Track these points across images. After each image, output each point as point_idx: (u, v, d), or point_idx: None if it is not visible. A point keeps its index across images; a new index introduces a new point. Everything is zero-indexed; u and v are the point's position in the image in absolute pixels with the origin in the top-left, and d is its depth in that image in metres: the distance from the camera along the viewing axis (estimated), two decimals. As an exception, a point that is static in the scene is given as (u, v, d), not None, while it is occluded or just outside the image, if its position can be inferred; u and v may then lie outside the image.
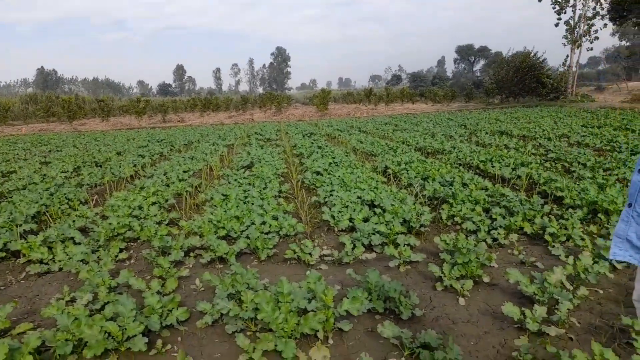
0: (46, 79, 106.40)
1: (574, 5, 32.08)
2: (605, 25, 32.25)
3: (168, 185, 7.36)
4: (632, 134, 11.35)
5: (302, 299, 2.94)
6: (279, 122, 27.34)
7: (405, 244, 4.21)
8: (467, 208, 5.08)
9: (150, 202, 6.06)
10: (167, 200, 6.36)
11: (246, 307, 2.97)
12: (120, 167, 9.73)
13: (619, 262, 3.65)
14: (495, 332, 2.81)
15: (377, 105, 40.92)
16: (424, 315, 3.06)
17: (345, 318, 3.01)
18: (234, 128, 22.43)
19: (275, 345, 2.62)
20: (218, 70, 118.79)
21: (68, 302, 3.41)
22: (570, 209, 5.05)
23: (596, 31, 32.10)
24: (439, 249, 4.21)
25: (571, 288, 3.26)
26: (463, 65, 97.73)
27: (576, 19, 32.35)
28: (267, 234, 4.70)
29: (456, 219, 4.97)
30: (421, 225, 4.77)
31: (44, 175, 8.94)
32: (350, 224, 4.95)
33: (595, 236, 4.38)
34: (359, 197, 5.81)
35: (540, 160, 8.13)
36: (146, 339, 2.67)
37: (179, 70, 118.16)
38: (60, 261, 4.19)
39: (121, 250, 4.53)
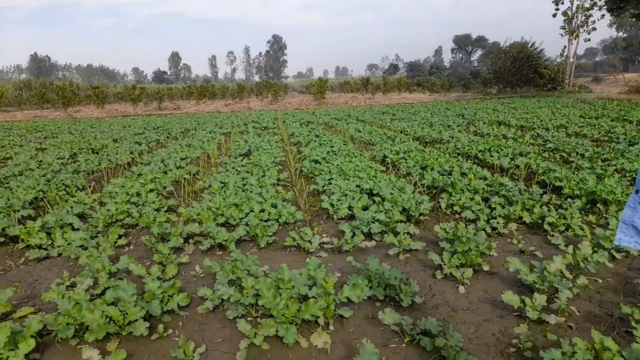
0: (40, 65, 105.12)
1: (572, -4, 32.02)
2: (603, 16, 32.18)
3: (166, 173, 7.33)
4: (630, 125, 11.38)
5: (303, 285, 2.94)
6: (275, 110, 27.23)
7: (404, 232, 4.21)
8: (466, 197, 5.09)
9: (148, 189, 6.03)
10: (165, 188, 6.34)
11: (247, 293, 2.97)
12: (117, 154, 9.67)
13: (621, 249, 3.67)
14: (495, 320, 2.83)
15: (374, 95, 40.78)
16: (424, 302, 3.08)
17: (346, 305, 3.02)
18: (231, 116, 22.32)
19: (277, 331, 2.63)
20: (214, 57, 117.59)
21: (68, 287, 3.41)
22: (569, 199, 5.07)
23: (594, 22, 32.08)
24: (438, 237, 4.22)
25: (571, 277, 3.28)
26: (460, 55, 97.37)
27: (574, 9, 32.27)
28: (266, 221, 4.70)
29: (455, 208, 4.98)
30: (420, 214, 4.77)
31: (40, 161, 8.87)
32: (350, 212, 4.95)
33: (594, 226, 4.40)
34: (357, 186, 5.81)
35: (539, 151, 8.14)
36: (147, 324, 2.68)
37: (174, 58, 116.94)
38: (59, 247, 4.17)
39: (120, 237, 4.51)
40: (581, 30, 32.30)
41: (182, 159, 8.69)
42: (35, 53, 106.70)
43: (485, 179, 6.09)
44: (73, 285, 3.44)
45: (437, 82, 42.67)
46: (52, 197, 5.87)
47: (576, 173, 6.18)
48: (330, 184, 6.01)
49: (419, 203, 4.95)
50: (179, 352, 2.43)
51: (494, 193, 5.38)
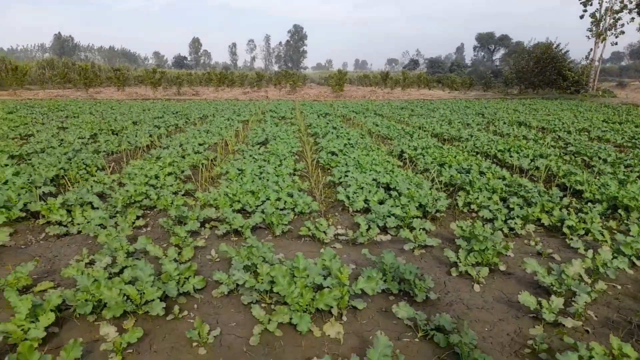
0: (63, 45, 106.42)
1: (601, -3, 31.26)
2: (633, 19, 31.34)
3: (184, 157, 7.39)
4: (655, 132, 11.12)
5: (318, 275, 2.95)
6: (293, 100, 27.21)
7: (420, 228, 4.19)
8: (484, 196, 5.04)
9: (167, 172, 6.09)
10: (182, 172, 6.40)
11: (262, 279, 2.99)
12: (136, 136, 9.78)
13: None
14: (510, 320, 2.80)
15: (393, 89, 40.51)
16: (438, 299, 3.06)
17: (360, 297, 3.02)
18: (249, 104, 22.37)
19: (290, 318, 2.65)
20: (234, 45, 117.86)
21: (87, 264, 3.47)
22: (589, 203, 4.99)
23: (622, 25, 31.33)
24: (454, 235, 4.19)
25: (589, 281, 3.23)
26: (482, 54, 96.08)
27: (602, 11, 31.51)
28: (282, 210, 4.71)
29: (472, 206, 4.93)
30: (437, 211, 4.74)
31: (62, 140, 9.01)
32: (365, 205, 4.94)
33: (615, 231, 4.33)
34: (374, 179, 5.79)
35: (560, 153, 8.01)
36: (164, 304, 2.71)
37: (195, 43, 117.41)
38: (79, 224, 4.24)
39: (138, 218, 4.57)
40: (609, 33, 31.55)
41: (200, 145, 8.75)
42: (59, 33, 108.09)
43: (504, 178, 6.01)
44: (92, 263, 3.49)
45: (457, 80, 42.23)
46: (72, 175, 5.96)
47: (598, 178, 6.06)
48: (347, 176, 6.00)
49: (436, 200, 4.92)
50: (194, 333, 2.46)
51: (512, 193, 5.31)
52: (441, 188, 5.80)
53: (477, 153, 8.33)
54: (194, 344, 2.50)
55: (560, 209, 4.71)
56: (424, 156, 7.51)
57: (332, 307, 2.77)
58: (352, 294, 2.97)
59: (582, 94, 30.62)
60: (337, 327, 2.66)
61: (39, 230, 4.30)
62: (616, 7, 31.03)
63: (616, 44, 32.54)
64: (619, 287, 3.27)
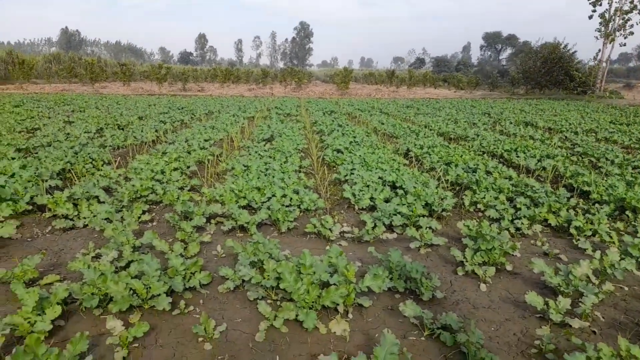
0: (69, 39, 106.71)
1: (611, -3, 31.02)
2: (643, 19, 31.10)
3: (189, 153, 7.40)
4: (663, 133, 11.03)
5: (324, 272, 2.94)
6: (299, 98, 27.19)
7: (426, 227, 4.18)
8: (490, 196, 5.02)
9: (172, 167, 6.09)
10: (188, 167, 6.40)
11: (268, 275, 2.99)
12: (142, 131, 9.80)
13: None
14: (517, 320, 2.79)
15: (398, 88, 40.41)
16: (444, 298, 3.05)
17: (366, 294, 3.02)
18: (254, 101, 22.37)
19: (297, 315, 2.64)
20: (240, 41, 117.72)
21: (93, 257, 3.47)
22: (597, 204, 4.96)
23: (632, 26, 31.04)
24: (460, 234, 4.17)
25: (596, 282, 3.21)
26: (489, 53, 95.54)
27: (611, 12, 31.26)
28: (287, 206, 4.71)
29: (479, 205, 4.91)
30: (443, 210, 4.73)
31: (68, 134, 9.04)
32: (371, 203, 4.93)
33: (622, 233, 4.30)
34: (380, 178, 5.77)
35: (567, 154, 7.96)
36: (170, 299, 2.71)
37: (201, 39, 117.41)
38: (85, 218, 4.26)
39: (144, 212, 4.58)
40: (617, 34, 31.30)
41: (205, 140, 8.75)
42: (66, 27, 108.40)
43: (510, 178, 5.99)
44: (98, 257, 3.50)
45: (463, 79, 42.08)
46: (79, 169, 5.98)
47: (605, 179, 6.02)
48: (353, 174, 5.99)
49: (442, 198, 4.90)
50: (199, 328, 2.46)
51: (519, 193, 5.29)
52: (447, 187, 5.78)
53: (484, 153, 8.30)
54: (200, 339, 2.50)
55: (567, 210, 4.68)
56: (430, 155, 7.48)
57: (338, 304, 2.76)
58: (358, 292, 2.96)
59: (589, 95, 30.45)
60: (343, 325, 2.65)
61: (46, 223, 4.31)
62: (626, 8, 30.79)
63: (625, 44, 32.29)
64: (626, 288, 3.24)
